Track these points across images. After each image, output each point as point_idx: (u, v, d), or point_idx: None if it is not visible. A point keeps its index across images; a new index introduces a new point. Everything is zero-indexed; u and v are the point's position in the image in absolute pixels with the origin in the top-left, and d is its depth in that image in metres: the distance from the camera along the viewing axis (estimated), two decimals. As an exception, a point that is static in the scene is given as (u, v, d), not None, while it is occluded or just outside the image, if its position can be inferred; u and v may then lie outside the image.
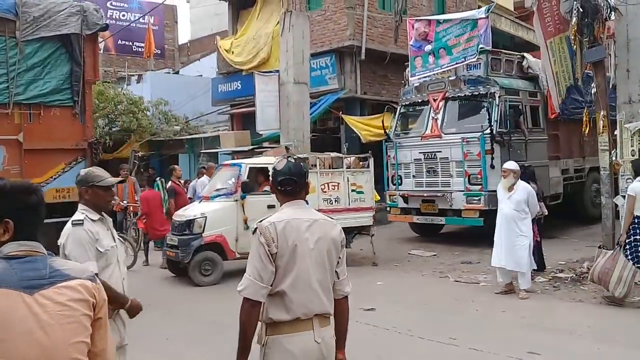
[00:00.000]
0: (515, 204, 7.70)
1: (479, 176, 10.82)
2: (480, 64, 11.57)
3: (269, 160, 9.53)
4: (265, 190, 8.95)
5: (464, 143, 11.06)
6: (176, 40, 35.27)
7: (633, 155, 8.51)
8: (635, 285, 7.26)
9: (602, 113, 8.80)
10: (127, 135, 20.13)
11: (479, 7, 17.60)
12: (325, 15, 17.07)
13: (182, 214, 9.66)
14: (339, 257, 2.81)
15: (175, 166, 12.43)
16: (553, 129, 12.46)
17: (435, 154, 11.58)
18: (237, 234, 9.33)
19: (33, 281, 1.75)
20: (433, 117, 11.75)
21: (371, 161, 10.64)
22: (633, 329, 6.30)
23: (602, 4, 8.81)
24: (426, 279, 9.17)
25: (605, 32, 9.14)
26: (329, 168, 10.49)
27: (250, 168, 9.71)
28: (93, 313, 1.85)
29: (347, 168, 10.45)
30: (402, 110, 12.85)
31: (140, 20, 27.36)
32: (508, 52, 12.91)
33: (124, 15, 31.59)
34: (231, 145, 13.48)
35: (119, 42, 30.44)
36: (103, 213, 3.44)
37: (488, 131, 10.69)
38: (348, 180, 10.26)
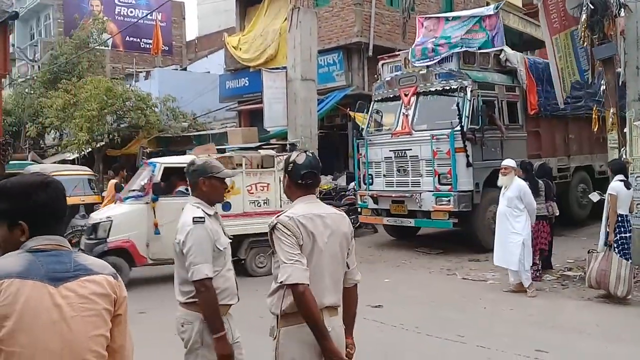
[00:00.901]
0: (507, 201, 7.71)
1: (448, 175, 10.22)
2: (452, 57, 11.02)
3: (184, 160, 8.38)
4: (181, 191, 8.59)
5: (433, 140, 10.38)
6: (184, 37, 35.39)
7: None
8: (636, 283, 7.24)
9: (612, 110, 8.75)
10: (135, 132, 20.22)
11: (487, 4, 17.55)
12: (332, 12, 17.07)
13: (93, 217, 9.16)
14: (349, 249, 2.87)
15: None
16: (533, 126, 11.80)
17: (405, 152, 10.94)
18: (148, 239, 8.66)
19: (58, 274, 1.79)
20: (404, 113, 11.08)
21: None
22: (642, 327, 6.28)
23: (611, 1, 8.75)
24: (433, 276, 9.16)
25: (615, 29, 9.07)
26: (258, 167, 9.50)
27: (165, 168, 8.96)
28: (113, 308, 1.88)
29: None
30: (375, 107, 12.14)
31: (148, 16, 27.41)
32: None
33: (131, 12, 31.71)
34: (239, 142, 13.52)
35: (127, 38, 30.56)
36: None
37: (458, 128, 10.09)
38: (280, 181, 8.73)
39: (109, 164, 21.36)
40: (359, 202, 12.02)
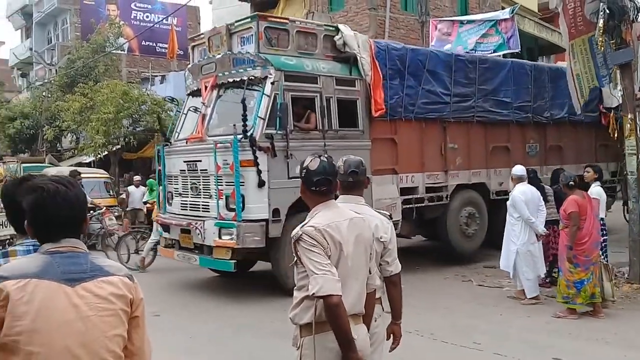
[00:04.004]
0: (508, 208, 7.88)
1: (232, 198, 7.72)
2: (251, 36, 8.20)
3: None
4: None
5: (217, 150, 7.86)
6: (199, 41, 35.47)
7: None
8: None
9: (629, 116, 8.65)
10: (150, 135, 20.35)
11: (503, 8, 17.49)
12: (347, 17, 17.07)
13: None
14: (371, 254, 2.83)
15: None
16: (385, 132, 9.15)
17: (196, 164, 8.47)
18: None
19: (75, 274, 1.83)
20: (201, 112, 8.66)
21: None
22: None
23: (629, 6, 8.67)
24: (448, 282, 9.11)
25: (633, 34, 8.97)
26: None
27: None
28: (130, 310, 1.91)
29: None
30: (189, 103, 9.48)
31: (164, 21, 27.59)
32: (303, 20, 9.48)
33: (147, 17, 31.96)
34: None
35: (143, 43, 30.78)
36: None
37: (249, 132, 7.62)
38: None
39: (125, 168, 21.54)
40: (159, 229, 9.42)
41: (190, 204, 8.64)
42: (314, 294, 2.51)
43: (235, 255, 7.76)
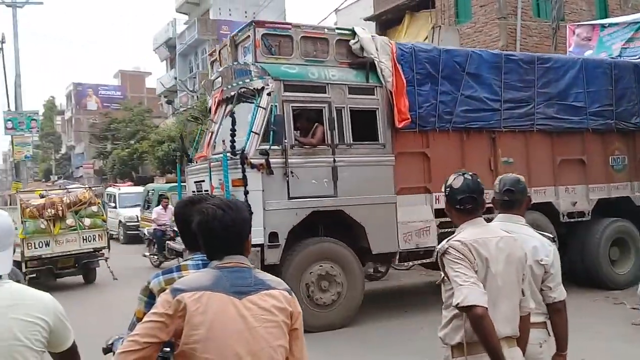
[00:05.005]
0: None
1: None
2: (249, 44, 7.56)
3: None
4: None
5: (212, 169, 7.41)
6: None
7: None
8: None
9: None
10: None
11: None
12: (475, 28, 16.20)
13: None
14: (524, 274, 2.74)
15: None
16: (412, 145, 7.96)
17: (201, 185, 7.96)
18: None
19: (241, 287, 1.99)
20: (209, 129, 8.25)
21: None
22: None
23: None
24: (598, 305, 8.16)
25: None
26: None
27: None
28: (290, 322, 2.03)
29: None
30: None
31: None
32: (311, 25, 8.14)
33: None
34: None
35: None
36: None
37: (238, 148, 6.96)
38: None
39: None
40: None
41: None
42: (458, 304, 2.47)
43: None
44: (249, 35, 7.52)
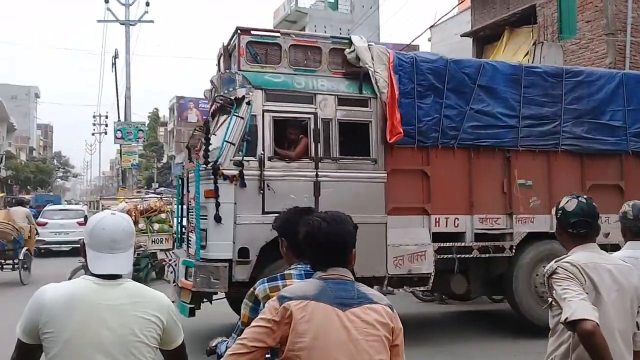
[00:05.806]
0: None
1: (200, 233, 6.70)
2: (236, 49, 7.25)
3: None
4: None
5: (188, 179, 7.43)
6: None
7: None
8: None
9: None
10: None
11: None
12: (580, 44, 15.25)
13: None
14: (639, 306, 2.59)
15: None
16: (409, 162, 7.35)
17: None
18: None
19: (345, 299, 2.00)
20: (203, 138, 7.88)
21: None
22: None
23: None
24: None
25: None
26: None
27: None
28: (391, 337, 2.02)
29: None
30: None
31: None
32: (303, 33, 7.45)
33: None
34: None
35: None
36: None
37: (211, 160, 6.60)
38: None
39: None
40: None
41: (188, 239, 7.80)
42: (566, 319, 2.29)
43: (195, 299, 6.76)
44: (235, 44, 7.26)
